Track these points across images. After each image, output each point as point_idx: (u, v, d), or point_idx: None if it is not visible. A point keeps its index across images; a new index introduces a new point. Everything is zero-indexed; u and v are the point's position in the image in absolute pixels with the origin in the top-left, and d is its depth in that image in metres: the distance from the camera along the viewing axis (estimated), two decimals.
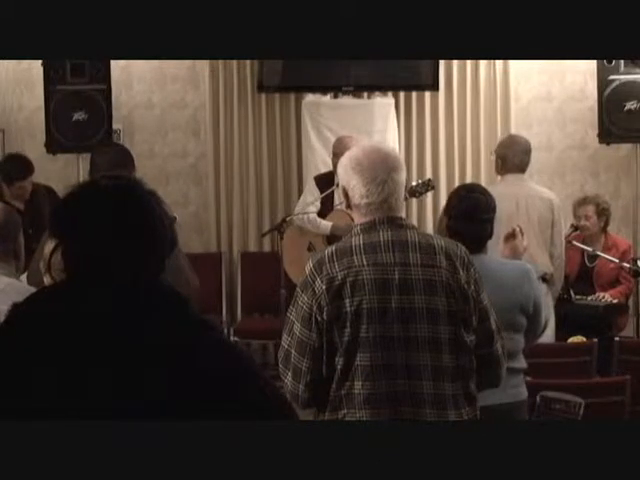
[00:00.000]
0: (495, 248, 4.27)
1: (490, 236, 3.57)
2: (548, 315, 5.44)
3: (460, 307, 2.68)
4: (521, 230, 3.92)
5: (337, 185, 5.99)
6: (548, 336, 5.44)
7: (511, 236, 3.89)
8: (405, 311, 2.64)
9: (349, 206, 2.79)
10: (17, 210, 5.75)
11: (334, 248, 2.72)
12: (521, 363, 3.52)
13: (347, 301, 2.63)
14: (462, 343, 2.68)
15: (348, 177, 2.76)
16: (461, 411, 2.67)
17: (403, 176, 2.79)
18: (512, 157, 5.57)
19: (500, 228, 4.10)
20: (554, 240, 5.43)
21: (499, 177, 5.67)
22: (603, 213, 6.33)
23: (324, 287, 2.64)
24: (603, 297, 6.13)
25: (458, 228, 3.50)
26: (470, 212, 3.50)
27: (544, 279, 5.38)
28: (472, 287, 2.71)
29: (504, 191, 5.36)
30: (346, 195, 2.78)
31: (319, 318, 2.63)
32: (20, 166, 5.92)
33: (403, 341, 2.64)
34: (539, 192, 5.53)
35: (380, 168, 2.74)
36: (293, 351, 2.68)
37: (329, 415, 2.68)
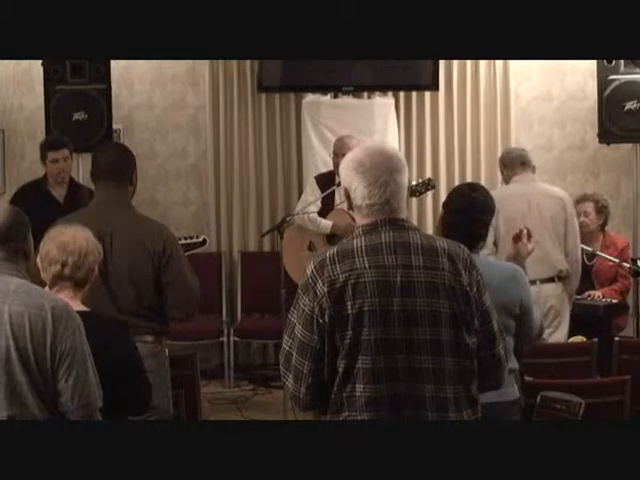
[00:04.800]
0: (503, 248, 4.27)
1: (484, 238, 3.57)
2: (564, 313, 5.47)
3: (462, 310, 2.66)
4: (529, 232, 3.90)
5: (338, 185, 6.00)
6: (559, 337, 5.45)
7: (517, 237, 3.89)
8: (407, 314, 2.63)
9: (351, 207, 2.78)
10: (56, 202, 5.87)
11: (336, 250, 2.70)
12: (509, 364, 3.51)
13: (349, 303, 2.62)
14: (464, 346, 2.67)
15: (350, 178, 2.74)
16: (462, 413, 2.66)
17: (406, 178, 2.77)
18: (510, 154, 5.74)
19: (514, 227, 4.11)
20: (568, 238, 5.48)
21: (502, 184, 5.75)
22: (602, 210, 6.35)
23: (326, 289, 2.62)
24: (598, 296, 6.13)
25: (452, 222, 3.52)
26: (467, 209, 3.51)
27: (559, 277, 5.41)
28: (474, 289, 2.70)
29: (515, 191, 5.41)
30: (348, 196, 2.76)
31: (320, 320, 2.62)
32: (53, 138, 6.17)
33: (405, 344, 2.63)
34: (550, 191, 5.57)
35: (382, 169, 2.72)
36: (294, 353, 2.66)
37: (330, 417, 2.67)
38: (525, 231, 3.90)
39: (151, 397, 3.33)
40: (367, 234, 2.69)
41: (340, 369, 2.63)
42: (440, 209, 5.62)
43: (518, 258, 3.82)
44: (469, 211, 3.52)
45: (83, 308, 3.15)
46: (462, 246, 2.78)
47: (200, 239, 4.94)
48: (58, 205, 5.90)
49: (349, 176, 2.74)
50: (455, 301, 2.65)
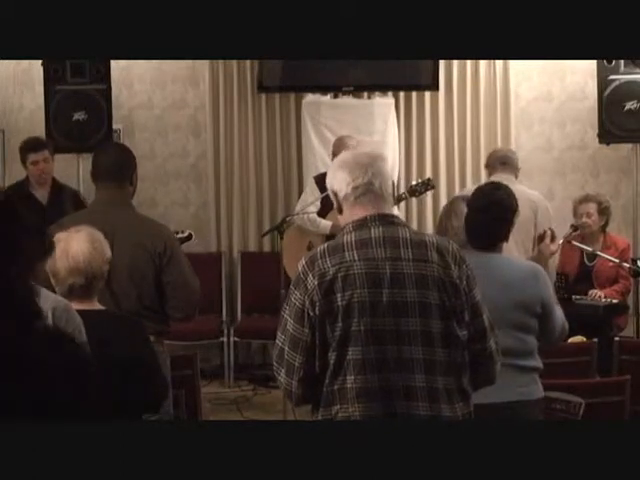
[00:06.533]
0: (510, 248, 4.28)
1: (505, 237, 3.57)
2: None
3: (452, 301, 2.69)
4: (553, 234, 3.92)
5: None
6: None
7: (541, 238, 3.91)
8: (397, 305, 2.66)
9: (340, 209, 2.82)
10: (39, 204, 5.88)
11: (326, 245, 2.76)
12: (532, 362, 3.52)
13: (339, 295, 2.65)
14: (454, 337, 2.69)
15: (334, 174, 2.84)
16: (454, 406, 2.68)
17: (387, 167, 2.88)
18: (494, 153, 5.79)
19: None
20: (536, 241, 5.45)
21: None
22: (604, 212, 6.34)
23: (316, 282, 2.66)
24: (598, 296, 6.13)
25: (473, 221, 3.53)
26: (488, 208, 3.52)
27: None
28: (464, 282, 2.73)
29: None
30: (335, 195, 2.82)
31: (311, 313, 2.66)
32: (32, 140, 6.18)
33: (395, 335, 2.65)
34: (525, 193, 5.55)
35: (364, 157, 2.84)
36: (286, 348, 2.70)
37: (322, 411, 2.69)
38: (549, 232, 3.92)
39: (167, 394, 3.33)
40: (357, 230, 2.74)
41: (331, 361, 2.65)
42: (440, 210, 5.64)
43: (541, 258, 3.84)
44: (490, 210, 3.53)
45: (98, 307, 3.15)
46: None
47: (186, 234, 4.94)
48: (41, 207, 5.91)
49: (333, 173, 2.85)
50: (445, 293, 2.68)
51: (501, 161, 5.66)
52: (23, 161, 6.06)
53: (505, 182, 5.46)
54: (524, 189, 5.69)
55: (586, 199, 6.37)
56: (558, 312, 3.61)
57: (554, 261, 5.53)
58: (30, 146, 6.06)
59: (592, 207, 6.30)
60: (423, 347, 2.66)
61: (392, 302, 2.66)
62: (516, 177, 5.68)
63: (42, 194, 6.03)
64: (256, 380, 7.01)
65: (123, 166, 4.03)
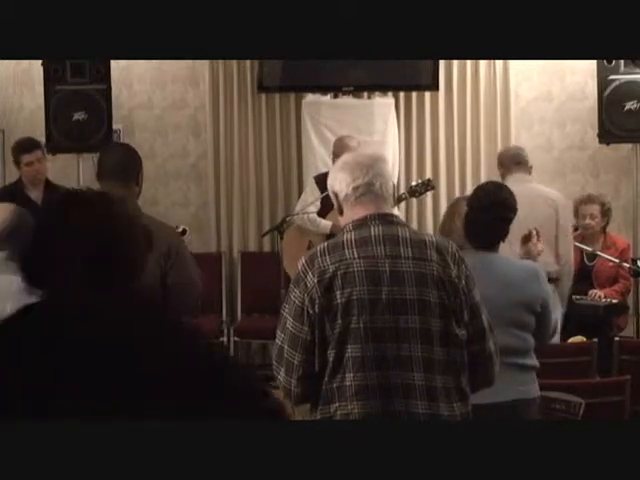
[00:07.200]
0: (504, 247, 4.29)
1: (504, 237, 3.58)
2: (557, 315, 5.47)
3: (451, 300, 2.70)
4: (538, 233, 3.93)
5: None
6: (554, 338, 5.46)
7: (527, 238, 3.91)
8: (396, 302, 2.67)
9: (341, 210, 2.83)
10: (34, 204, 5.88)
11: (326, 244, 2.78)
12: (531, 361, 3.54)
13: (338, 293, 2.66)
14: (453, 336, 2.70)
15: (335, 175, 2.86)
16: (453, 405, 2.68)
17: (388, 168, 2.91)
18: (506, 152, 5.76)
19: None
20: (559, 240, 5.45)
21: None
22: (607, 213, 6.35)
23: (316, 280, 2.67)
24: (598, 296, 6.13)
25: (475, 219, 3.53)
26: (492, 207, 3.52)
27: (549, 278, 5.40)
28: (463, 282, 2.74)
29: None
30: (336, 196, 2.83)
31: (311, 311, 2.67)
32: (25, 140, 6.15)
33: (394, 332, 2.66)
34: (544, 192, 5.55)
35: (364, 159, 2.86)
36: (286, 346, 2.71)
37: (321, 409, 2.70)
38: (534, 232, 3.93)
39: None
40: (357, 228, 2.76)
41: (330, 359, 2.66)
42: (440, 210, 5.65)
43: (530, 257, 3.85)
44: (492, 209, 3.53)
45: None
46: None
47: (180, 229, 4.94)
48: (36, 207, 5.90)
49: (335, 175, 2.86)
50: (444, 291, 2.69)
51: (515, 160, 5.64)
52: (17, 162, 6.04)
53: (522, 181, 5.49)
54: (542, 187, 5.70)
55: (589, 200, 6.35)
56: (553, 312, 3.64)
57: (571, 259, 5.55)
58: (23, 147, 6.04)
59: (595, 208, 6.29)
60: (422, 345, 2.67)
61: (391, 300, 2.67)
62: (529, 174, 5.67)
63: (36, 195, 6.02)
64: None
65: (128, 166, 4.02)
